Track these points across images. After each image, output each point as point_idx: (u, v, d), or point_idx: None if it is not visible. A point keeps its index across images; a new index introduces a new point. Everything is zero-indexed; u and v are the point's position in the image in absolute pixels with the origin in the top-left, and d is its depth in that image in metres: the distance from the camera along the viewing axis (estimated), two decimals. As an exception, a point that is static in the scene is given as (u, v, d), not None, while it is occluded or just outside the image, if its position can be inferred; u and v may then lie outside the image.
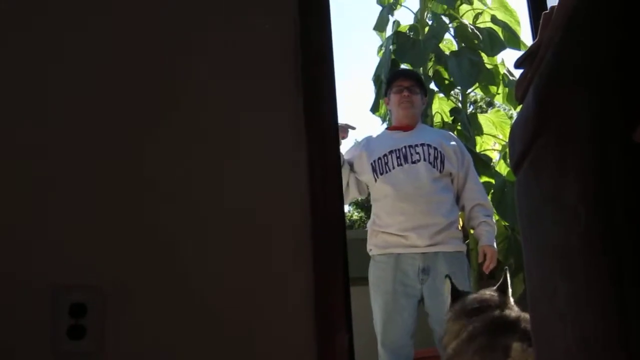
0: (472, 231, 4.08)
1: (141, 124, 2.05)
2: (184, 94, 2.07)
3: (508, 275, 3.10)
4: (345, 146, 4.05)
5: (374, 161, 3.87)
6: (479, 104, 10.81)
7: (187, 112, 2.06)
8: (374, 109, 5.64)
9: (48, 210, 1.96)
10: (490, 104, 5.69)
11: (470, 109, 5.78)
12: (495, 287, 3.10)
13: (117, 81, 2.04)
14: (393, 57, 5.39)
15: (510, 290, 3.05)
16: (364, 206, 14.42)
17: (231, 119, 2.07)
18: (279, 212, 2.03)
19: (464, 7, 5.65)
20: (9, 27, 2.02)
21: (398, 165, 3.81)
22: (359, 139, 4.18)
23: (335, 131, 2.12)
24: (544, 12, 1.68)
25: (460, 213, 3.89)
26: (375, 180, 3.85)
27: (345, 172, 3.88)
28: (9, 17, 2.02)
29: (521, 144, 1.69)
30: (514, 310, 2.92)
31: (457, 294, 3.16)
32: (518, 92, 1.78)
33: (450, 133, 4.37)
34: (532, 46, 1.73)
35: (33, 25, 2.03)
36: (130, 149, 2.02)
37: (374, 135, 4.13)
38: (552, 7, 1.59)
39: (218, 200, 2.03)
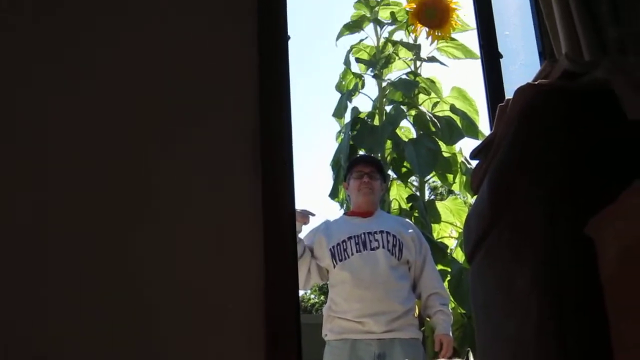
0: (428, 319, 4.08)
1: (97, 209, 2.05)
2: (143, 177, 2.08)
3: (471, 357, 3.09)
4: (304, 230, 4.03)
5: (333, 247, 3.87)
6: (439, 191, 10.91)
7: (143, 193, 2.07)
8: (333, 194, 5.66)
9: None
10: (451, 191, 5.76)
11: (429, 196, 5.82)
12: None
13: (83, 173, 2.06)
14: (351, 142, 5.44)
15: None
16: (324, 290, 14.34)
17: (188, 201, 2.08)
18: (233, 294, 2.02)
19: (422, 96, 5.75)
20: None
21: (357, 251, 3.81)
22: (318, 224, 4.18)
23: (292, 215, 2.13)
24: (499, 105, 1.72)
25: (416, 301, 3.89)
26: (334, 266, 3.84)
27: (306, 258, 3.88)
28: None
29: (475, 234, 1.72)
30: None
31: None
32: (473, 183, 1.82)
33: (408, 221, 4.39)
34: (487, 137, 1.77)
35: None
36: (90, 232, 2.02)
37: (333, 220, 4.14)
38: (508, 100, 1.64)
39: (171, 281, 2.02)
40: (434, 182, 6.57)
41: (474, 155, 1.82)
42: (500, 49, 2.53)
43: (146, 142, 2.11)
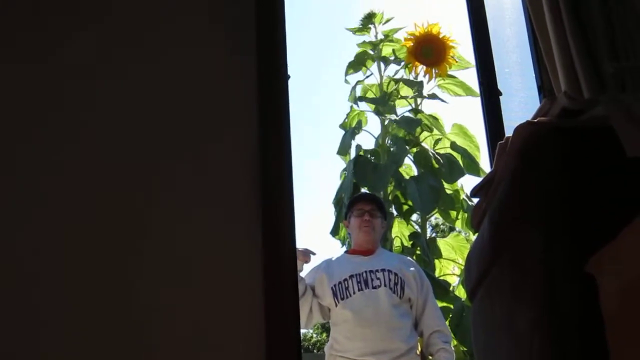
0: (430, 357, 4.05)
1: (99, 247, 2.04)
2: (140, 215, 2.07)
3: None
4: (306, 269, 4.02)
5: (334, 285, 3.85)
6: (441, 228, 10.87)
7: (140, 232, 2.06)
8: (334, 232, 5.66)
9: None
10: (452, 228, 5.75)
11: (431, 233, 5.81)
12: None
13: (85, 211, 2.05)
14: (354, 180, 5.44)
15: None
16: (326, 328, 14.27)
17: (187, 238, 2.07)
18: (234, 334, 2.01)
19: (424, 134, 5.76)
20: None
21: (359, 290, 3.79)
22: (319, 262, 4.16)
23: (293, 254, 2.12)
24: (499, 142, 1.72)
25: (418, 338, 3.87)
26: (336, 305, 3.82)
27: (308, 297, 3.86)
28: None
29: (476, 273, 1.71)
30: None
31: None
32: (474, 221, 1.81)
33: (409, 258, 4.37)
34: (487, 175, 1.77)
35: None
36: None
37: (334, 258, 4.12)
38: (507, 138, 1.64)
39: (170, 321, 2.00)
40: (435, 219, 6.55)
41: (474, 193, 1.82)
42: (500, 86, 2.53)
43: (143, 179, 2.11)
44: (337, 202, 5.65)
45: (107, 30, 2.22)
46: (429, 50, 5.35)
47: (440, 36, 5.30)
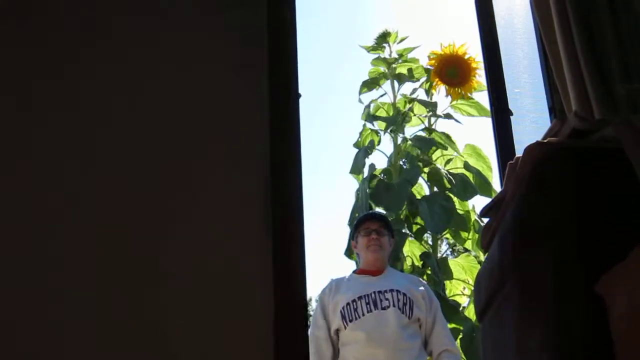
0: (440, 377, 4.03)
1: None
2: (148, 240, 2.07)
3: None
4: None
5: (343, 308, 3.84)
6: (457, 248, 10.82)
7: (149, 258, 2.06)
8: (349, 252, 5.64)
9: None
10: (465, 249, 5.74)
11: (444, 253, 5.80)
12: None
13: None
14: (370, 201, 5.43)
15: None
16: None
17: (194, 263, 2.06)
18: (242, 353, 2.00)
19: (437, 153, 5.76)
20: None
21: (368, 311, 3.77)
22: (325, 286, 4.15)
23: (303, 275, 2.11)
24: (509, 163, 1.72)
25: (428, 358, 3.85)
26: (345, 327, 3.81)
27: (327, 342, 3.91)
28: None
29: (486, 293, 1.70)
30: None
31: None
32: (484, 241, 1.81)
33: (419, 278, 4.36)
34: (497, 196, 1.77)
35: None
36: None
37: (343, 278, 4.11)
38: (518, 158, 1.63)
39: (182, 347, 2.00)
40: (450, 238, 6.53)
41: (484, 213, 1.81)
42: (511, 107, 2.53)
43: (148, 205, 2.10)
44: (352, 222, 5.64)
45: (115, 42, 2.23)
46: (454, 70, 5.36)
47: (466, 57, 5.30)
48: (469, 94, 5.49)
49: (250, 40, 2.26)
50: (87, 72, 2.17)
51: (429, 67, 5.55)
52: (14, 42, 2.16)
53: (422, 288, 3.94)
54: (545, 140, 1.49)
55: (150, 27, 2.26)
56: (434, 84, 5.48)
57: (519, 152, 2.39)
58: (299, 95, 2.24)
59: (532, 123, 2.61)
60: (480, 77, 5.38)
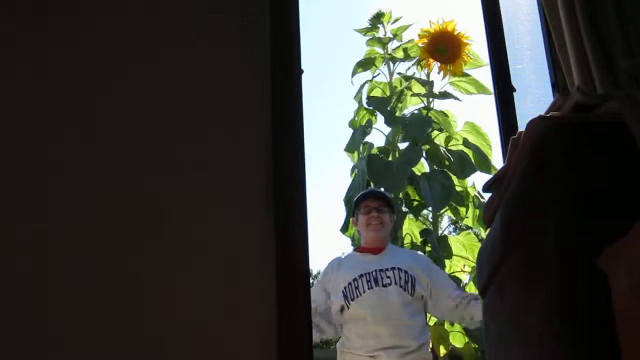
0: (470, 319, 4.02)
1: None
2: (147, 223, 2.05)
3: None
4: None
5: (345, 288, 3.86)
6: (459, 224, 10.79)
7: (149, 243, 2.04)
8: (344, 229, 5.65)
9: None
10: (468, 226, 5.74)
11: (445, 230, 5.79)
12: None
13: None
14: (369, 180, 5.41)
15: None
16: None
17: (194, 246, 2.05)
18: (245, 330, 2.00)
19: (436, 131, 5.73)
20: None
21: (369, 288, 3.79)
22: (331, 261, 4.16)
23: (306, 253, 2.11)
24: (511, 137, 1.72)
25: (429, 334, 3.88)
26: (348, 307, 3.83)
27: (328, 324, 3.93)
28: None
29: (488, 268, 1.70)
30: None
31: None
32: (486, 216, 1.81)
33: (420, 253, 4.38)
34: (499, 170, 1.77)
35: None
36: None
37: (344, 256, 4.12)
38: (520, 132, 1.63)
39: (185, 333, 2.00)
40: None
41: (487, 188, 1.81)
42: (513, 83, 2.53)
43: (150, 184, 2.09)
44: (348, 200, 5.64)
45: (115, 29, 2.21)
46: (444, 47, 5.33)
47: (456, 33, 5.27)
48: (461, 71, 5.47)
49: (252, 16, 2.25)
50: (85, 56, 2.17)
51: (421, 44, 5.52)
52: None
53: (423, 263, 3.95)
54: (547, 115, 1.49)
55: (152, 3, 2.26)
56: (426, 61, 5.45)
57: (521, 128, 2.39)
58: (301, 71, 2.23)
59: (534, 99, 2.60)
60: (472, 53, 5.37)
